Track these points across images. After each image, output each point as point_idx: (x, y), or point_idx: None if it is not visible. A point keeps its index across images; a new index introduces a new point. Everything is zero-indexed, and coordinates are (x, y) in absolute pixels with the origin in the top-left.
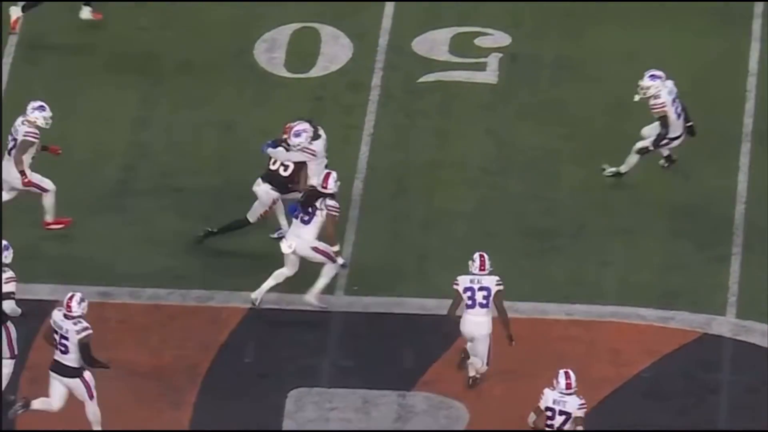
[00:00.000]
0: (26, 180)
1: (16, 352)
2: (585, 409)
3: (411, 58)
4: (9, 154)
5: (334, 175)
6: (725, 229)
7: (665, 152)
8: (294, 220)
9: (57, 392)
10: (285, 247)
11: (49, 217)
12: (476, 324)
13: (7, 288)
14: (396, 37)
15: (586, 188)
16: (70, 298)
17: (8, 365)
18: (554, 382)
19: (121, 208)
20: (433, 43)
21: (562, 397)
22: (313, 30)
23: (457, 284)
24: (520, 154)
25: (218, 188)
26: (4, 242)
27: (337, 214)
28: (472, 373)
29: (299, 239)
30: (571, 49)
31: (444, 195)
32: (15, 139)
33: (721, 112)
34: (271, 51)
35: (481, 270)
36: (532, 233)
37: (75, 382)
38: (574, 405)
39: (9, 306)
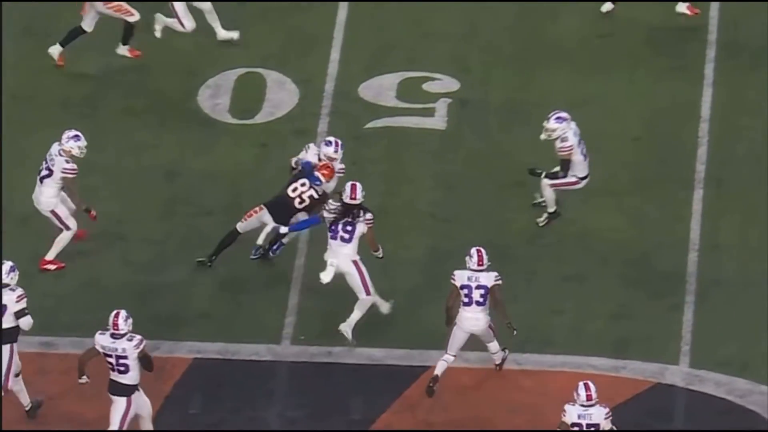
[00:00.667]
0: (84, 210)
1: (9, 386)
2: (611, 418)
3: (358, 104)
4: (41, 181)
5: (359, 185)
6: (678, 277)
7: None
8: (331, 241)
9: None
10: (326, 276)
11: (51, 255)
12: (475, 321)
13: (19, 306)
14: (342, 82)
15: (536, 235)
16: (116, 316)
17: None
18: (574, 395)
19: (64, 256)
20: (380, 89)
21: (586, 410)
22: (258, 75)
23: (454, 279)
24: (470, 201)
25: (163, 236)
26: (10, 263)
27: (373, 224)
28: (498, 362)
29: (340, 257)
30: (521, 94)
31: (393, 242)
32: (50, 169)
33: (673, 158)
34: (215, 97)
35: (479, 265)
36: None
37: (121, 401)
38: (600, 416)
39: (26, 322)
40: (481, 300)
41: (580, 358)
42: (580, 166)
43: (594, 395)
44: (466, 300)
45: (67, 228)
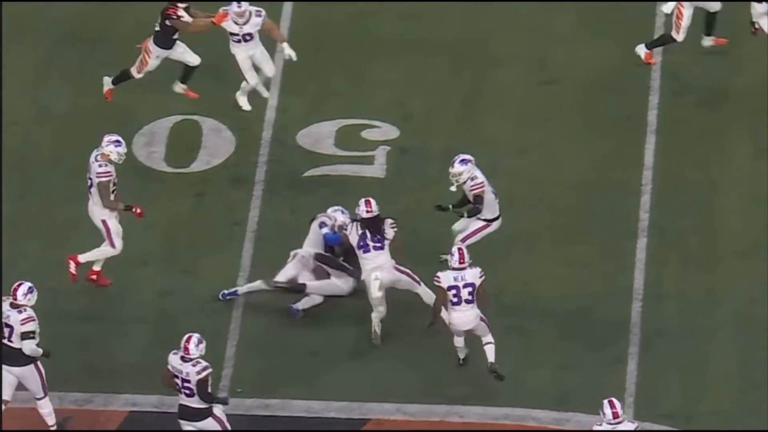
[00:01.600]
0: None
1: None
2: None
3: (296, 152)
4: (89, 192)
5: (371, 199)
6: (622, 328)
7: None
8: (365, 255)
9: None
10: (375, 288)
11: (84, 258)
12: (465, 318)
13: (25, 328)
14: (280, 129)
15: None
16: (187, 341)
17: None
18: (600, 414)
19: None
20: (319, 136)
21: (613, 428)
22: (193, 122)
23: (439, 281)
24: (409, 250)
25: (96, 287)
26: (28, 284)
27: (397, 227)
28: (491, 358)
29: (381, 269)
30: (461, 142)
31: None
32: (91, 179)
33: (616, 207)
34: (150, 145)
35: (460, 264)
36: (424, 331)
37: (208, 423)
38: None
39: (29, 347)
40: (470, 298)
41: (522, 410)
42: (490, 207)
43: (620, 412)
44: (455, 300)
45: (112, 245)
